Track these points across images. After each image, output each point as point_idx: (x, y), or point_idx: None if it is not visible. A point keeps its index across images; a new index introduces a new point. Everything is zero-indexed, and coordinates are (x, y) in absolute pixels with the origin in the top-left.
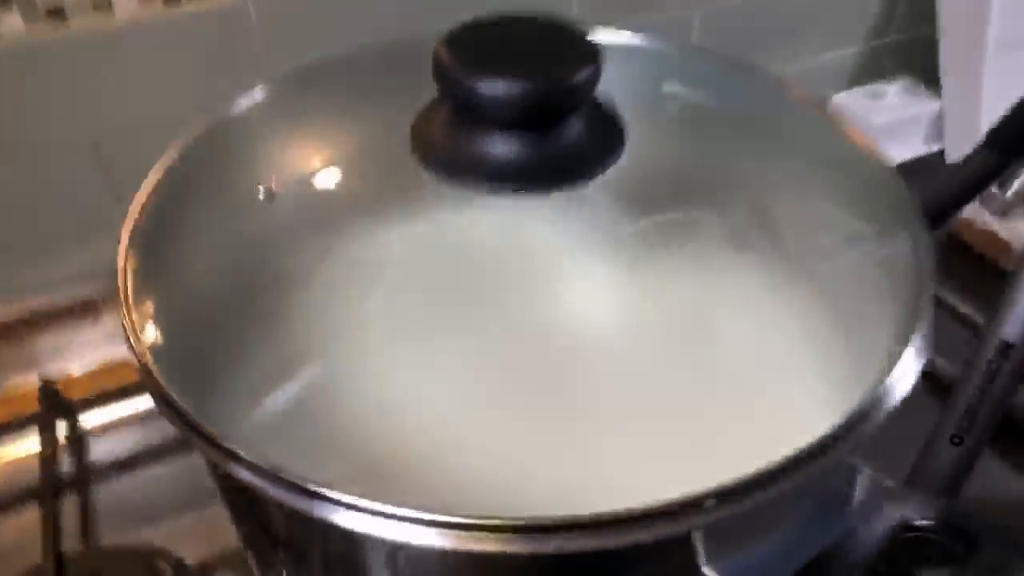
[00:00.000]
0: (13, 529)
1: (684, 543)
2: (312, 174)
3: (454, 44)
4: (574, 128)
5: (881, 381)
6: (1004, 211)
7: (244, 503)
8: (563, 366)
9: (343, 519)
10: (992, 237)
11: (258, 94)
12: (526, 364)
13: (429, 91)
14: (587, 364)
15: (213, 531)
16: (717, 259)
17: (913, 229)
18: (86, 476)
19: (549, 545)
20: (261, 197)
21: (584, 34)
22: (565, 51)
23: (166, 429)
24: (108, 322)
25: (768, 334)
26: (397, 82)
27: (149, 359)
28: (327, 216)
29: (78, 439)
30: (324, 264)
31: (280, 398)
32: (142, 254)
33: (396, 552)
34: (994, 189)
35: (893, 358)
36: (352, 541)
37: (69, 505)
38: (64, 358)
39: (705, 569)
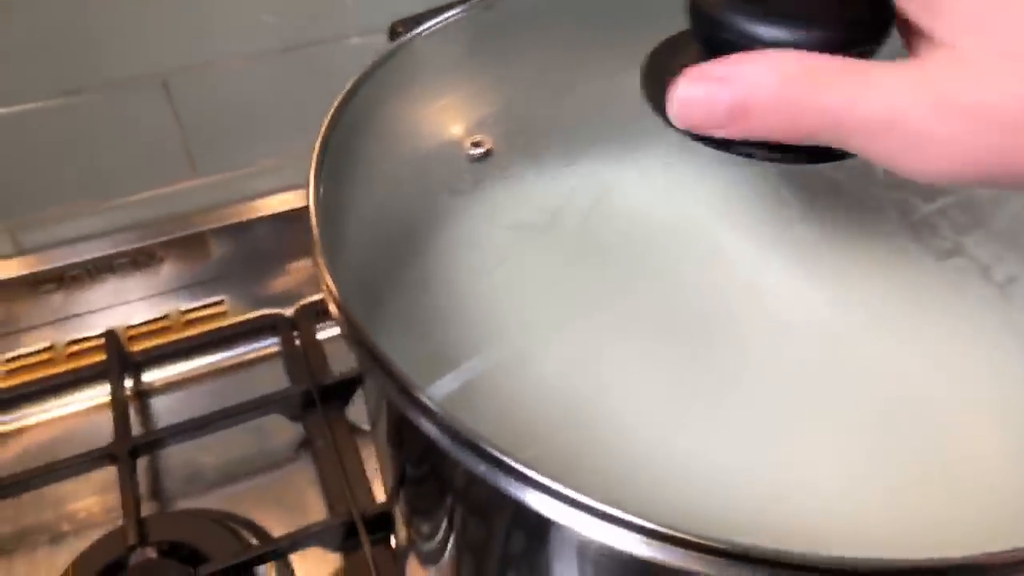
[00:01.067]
0: (89, 485)
1: None
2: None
3: None
4: None
5: None
6: None
7: (419, 458)
8: (759, 358)
9: (538, 502)
10: None
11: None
12: (719, 354)
13: (650, 30)
14: (784, 357)
15: (289, 498)
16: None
17: None
18: (157, 438)
19: None
20: (474, 152)
21: None
22: None
23: (229, 386)
24: (167, 272)
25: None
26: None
27: (349, 307)
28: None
29: (142, 394)
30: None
31: (454, 360)
32: (328, 192)
33: (583, 548)
34: None
35: None
36: (536, 525)
37: (140, 465)
38: (125, 309)
39: None
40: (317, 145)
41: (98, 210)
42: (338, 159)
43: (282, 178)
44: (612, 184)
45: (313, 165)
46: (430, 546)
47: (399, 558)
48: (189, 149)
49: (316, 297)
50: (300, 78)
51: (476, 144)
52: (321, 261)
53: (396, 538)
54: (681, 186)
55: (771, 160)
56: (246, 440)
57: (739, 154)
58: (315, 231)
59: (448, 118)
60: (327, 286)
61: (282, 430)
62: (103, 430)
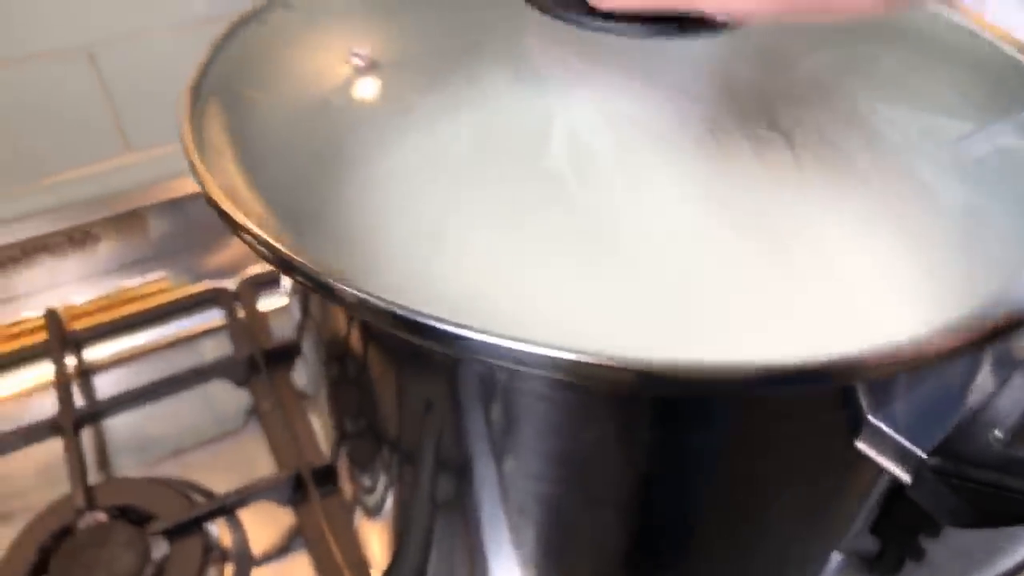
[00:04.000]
0: (33, 461)
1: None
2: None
3: None
4: None
5: None
6: None
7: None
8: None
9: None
10: None
11: None
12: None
13: None
14: (663, 238)
15: (234, 463)
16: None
17: None
18: (102, 408)
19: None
20: (358, 63)
21: None
22: None
23: (172, 361)
24: (104, 251)
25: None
26: None
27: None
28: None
29: (86, 371)
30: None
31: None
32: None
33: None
34: None
35: None
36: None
37: (86, 437)
38: (64, 289)
39: (870, 417)
40: (188, 87)
41: (30, 190)
42: (222, 99)
43: None
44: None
45: (186, 106)
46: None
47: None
48: (120, 124)
49: (258, 270)
50: None
51: (358, 56)
52: (205, 174)
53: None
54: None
55: (639, 35)
56: (193, 410)
57: (605, 30)
58: (194, 157)
59: (332, 48)
60: (209, 189)
61: (229, 398)
62: (47, 408)
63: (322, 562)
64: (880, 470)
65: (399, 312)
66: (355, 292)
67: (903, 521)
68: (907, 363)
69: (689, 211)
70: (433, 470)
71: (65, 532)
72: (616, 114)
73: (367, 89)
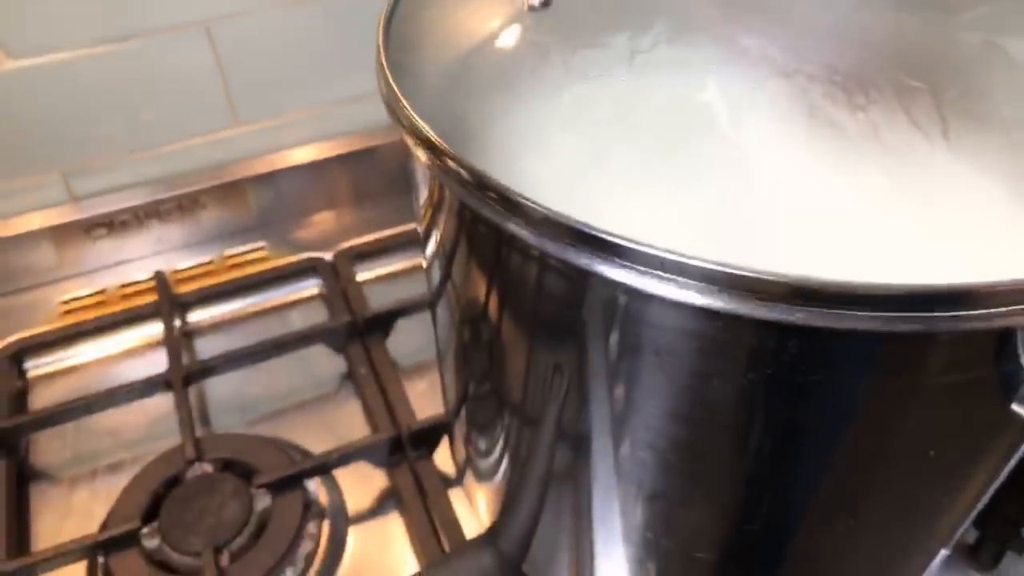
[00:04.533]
0: (143, 416)
1: (1011, 343)
2: None
3: None
4: None
5: None
6: None
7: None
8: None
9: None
10: None
11: None
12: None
13: None
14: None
15: (329, 426)
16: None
17: None
18: (210, 366)
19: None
20: (536, 3)
21: None
22: None
23: (270, 327)
24: (208, 219)
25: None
26: None
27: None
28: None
29: (189, 333)
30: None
31: None
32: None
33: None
34: None
35: None
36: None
37: (192, 395)
38: (170, 255)
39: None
40: (384, 14)
41: (145, 158)
42: (403, 28)
43: (320, 127)
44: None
45: (381, 28)
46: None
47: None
48: (231, 98)
49: (355, 241)
50: (340, 26)
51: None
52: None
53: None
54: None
55: None
56: (292, 373)
57: None
58: (396, 93)
59: None
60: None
61: (326, 363)
62: (156, 365)
63: (415, 523)
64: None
65: (579, 226)
66: (540, 207)
67: (1008, 510)
68: None
69: (833, 167)
70: (554, 434)
71: (175, 481)
72: (765, 65)
73: (535, 32)
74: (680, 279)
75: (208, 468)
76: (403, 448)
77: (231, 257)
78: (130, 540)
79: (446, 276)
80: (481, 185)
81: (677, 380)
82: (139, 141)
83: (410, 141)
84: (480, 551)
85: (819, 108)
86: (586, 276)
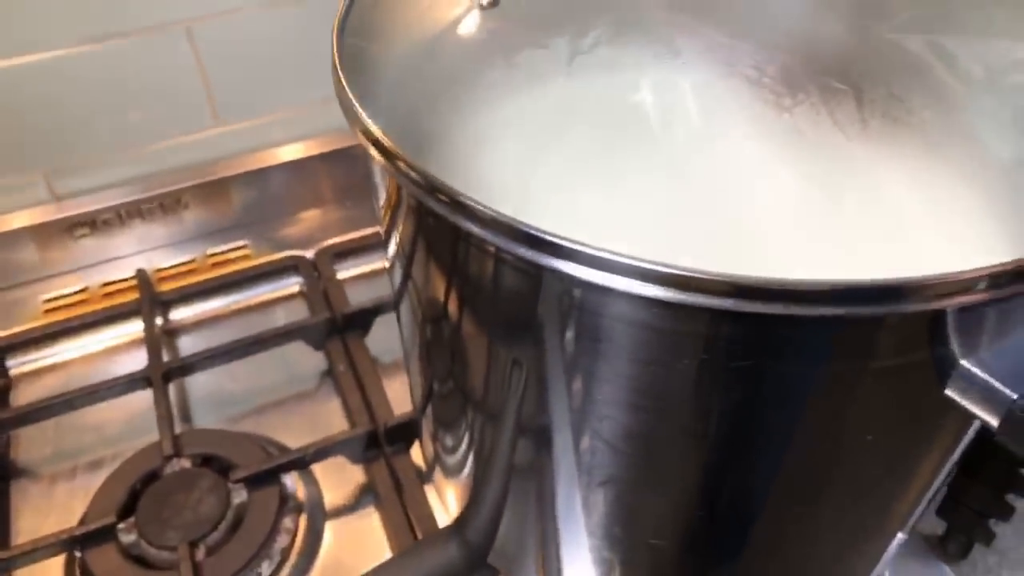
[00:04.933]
0: (122, 413)
1: (941, 329)
2: None
3: None
4: None
5: None
6: None
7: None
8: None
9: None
10: None
11: None
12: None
13: None
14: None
15: (308, 422)
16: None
17: None
18: (189, 363)
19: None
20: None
21: None
22: None
23: (252, 325)
24: (191, 218)
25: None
26: None
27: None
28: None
29: (171, 331)
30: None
31: None
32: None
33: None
34: None
35: None
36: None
37: (172, 392)
38: (153, 253)
39: (962, 362)
40: (338, 17)
41: (127, 158)
42: (360, 25)
43: (301, 127)
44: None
45: (335, 32)
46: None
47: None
48: (212, 97)
49: (336, 240)
50: (321, 25)
51: None
52: (348, 91)
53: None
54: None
55: None
56: (271, 370)
57: None
58: (339, 71)
59: None
60: (353, 109)
61: (305, 360)
62: (138, 362)
63: (390, 517)
64: (965, 424)
65: (525, 228)
66: (487, 209)
67: (973, 502)
68: (994, 283)
69: (761, 157)
70: (514, 428)
71: (152, 476)
72: (699, 66)
73: (483, 31)
74: (620, 276)
75: (186, 464)
76: (379, 443)
77: (213, 256)
78: (107, 535)
79: (406, 276)
80: (432, 187)
81: (627, 370)
82: (121, 141)
83: (365, 143)
84: (447, 542)
85: (749, 108)
86: (538, 272)
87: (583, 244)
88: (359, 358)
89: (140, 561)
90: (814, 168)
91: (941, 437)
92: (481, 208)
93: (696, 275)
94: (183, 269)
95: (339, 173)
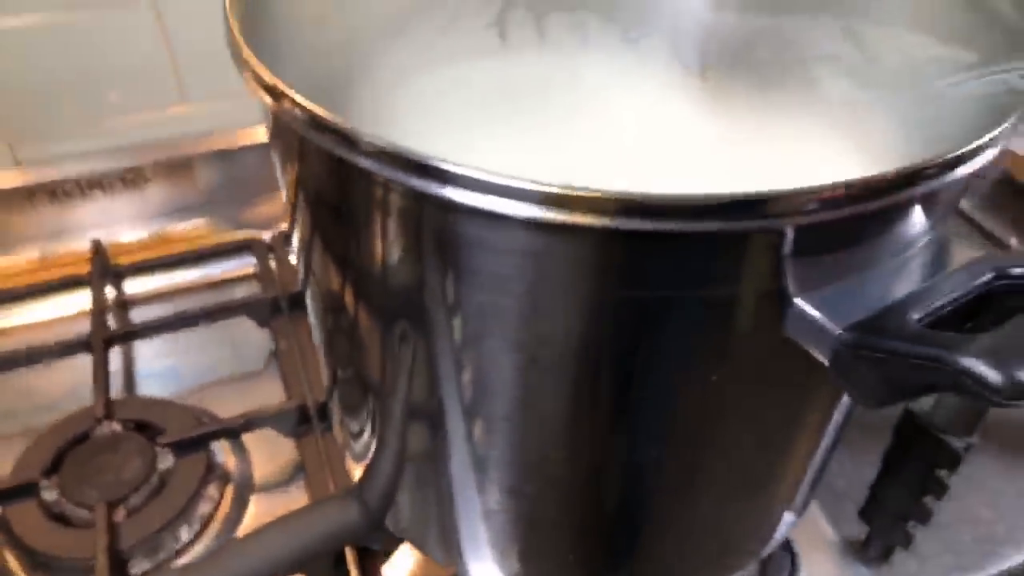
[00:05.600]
0: (62, 376)
1: (775, 261)
2: None
3: None
4: None
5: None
6: None
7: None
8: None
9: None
10: None
11: None
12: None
13: None
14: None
15: (250, 398)
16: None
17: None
18: (131, 331)
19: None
20: None
21: None
22: None
23: (205, 301)
24: (153, 194)
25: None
26: None
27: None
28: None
29: (124, 303)
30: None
31: None
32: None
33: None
34: None
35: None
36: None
37: (116, 361)
38: (113, 228)
39: (797, 300)
40: None
41: (91, 131)
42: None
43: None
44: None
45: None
46: None
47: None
48: (179, 75)
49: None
50: None
51: None
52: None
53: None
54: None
55: None
56: (217, 347)
57: None
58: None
59: None
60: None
61: (251, 338)
62: (84, 331)
63: (317, 494)
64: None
65: (410, 154)
66: (373, 138)
67: (892, 504)
68: (828, 200)
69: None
70: (407, 386)
71: (82, 438)
72: (621, 54)
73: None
74: (502, 198)
75: (117, 427)
76: (310, 418)
77: (173, 232)
78: (29, 491)
79: (308, 265)
80: (315, 119)
81: (512, 306)
82: (86, 113)
83: (252, 85)
84: (347, 503)
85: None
86: (421, 200)
87: (459, 164)
88: (302, 337)
89: (61, 519)
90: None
91: (802, 390)
92: (365, 137)
93: (525, 186)
94: (140, 244)
95: None
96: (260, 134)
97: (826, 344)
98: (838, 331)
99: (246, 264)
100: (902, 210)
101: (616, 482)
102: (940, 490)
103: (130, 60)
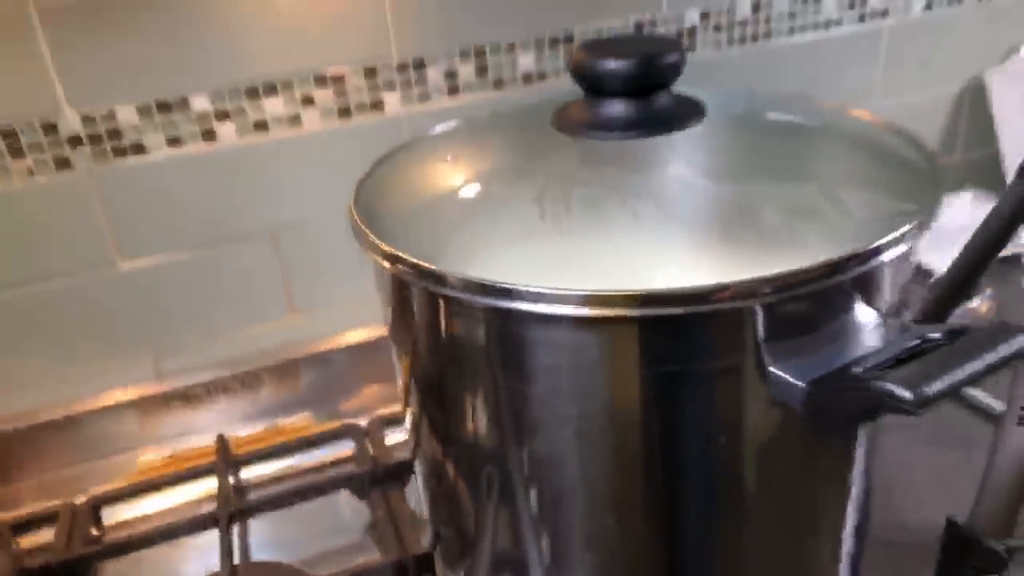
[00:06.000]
0: (193, 552)
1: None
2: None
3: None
4: (664, 99)
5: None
6: None
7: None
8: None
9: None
10: None
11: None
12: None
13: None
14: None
15: (346, 560)
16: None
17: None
18: (249, 507)
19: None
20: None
21: (674, 40)
22: (657, 47)
23: (306, 480)
24: (267, 393)
25: None
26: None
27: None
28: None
29: (243, 488)
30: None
31: None
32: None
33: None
34: None
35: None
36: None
37: (237, 535)
38: (233, 423)
39: (771, 368)
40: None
41: (216, 343)
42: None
43: (357, 316)
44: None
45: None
46: None
47: None
48: (289, 290)
49: (385, 411)
50: None
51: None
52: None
53: None
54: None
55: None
56: (321, 520)
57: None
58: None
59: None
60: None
61: (351, 511)
62: (211, 509)
63: None
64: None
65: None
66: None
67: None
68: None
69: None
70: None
71: None
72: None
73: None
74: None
75: None
76: (406, 571)
77: (282, 425)
78: None
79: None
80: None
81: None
82: (212, 327)
83: (371, 251)
84: None
85: None
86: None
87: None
88: (395, 505)
89: None
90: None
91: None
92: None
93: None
94: (256, 436)
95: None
96: (351, 337)
97: (796, 397)
98: (803, 384)
99: (344, 447)
100: (832, 298)
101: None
102: None
103: (250, 282)
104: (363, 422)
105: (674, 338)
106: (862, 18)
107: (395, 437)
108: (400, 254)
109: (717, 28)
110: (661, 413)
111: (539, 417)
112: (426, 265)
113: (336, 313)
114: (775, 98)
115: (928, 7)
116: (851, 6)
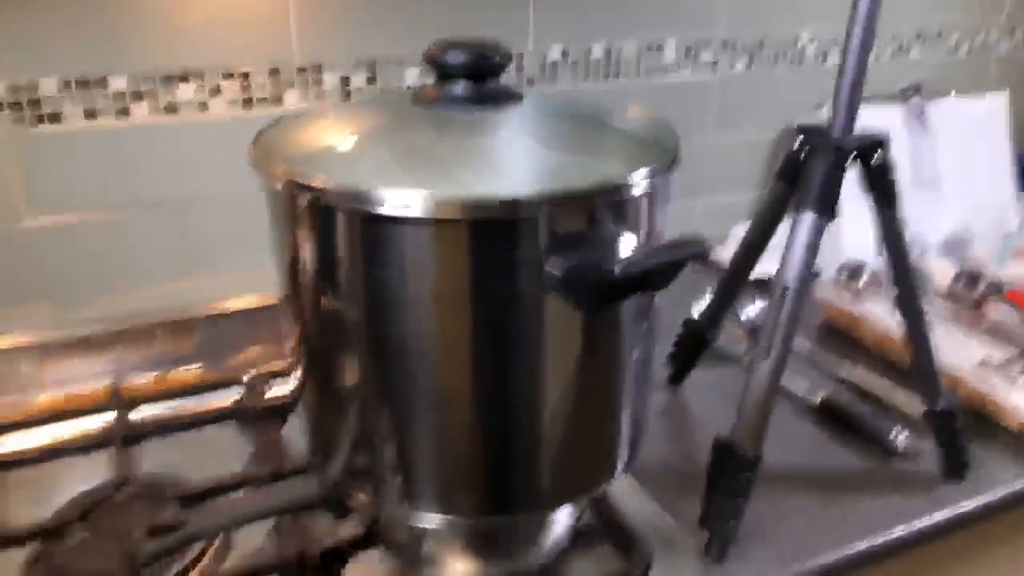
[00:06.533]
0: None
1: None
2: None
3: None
4: (493, 86)
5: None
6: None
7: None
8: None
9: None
10: (849, 316)
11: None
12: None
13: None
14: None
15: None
16: None
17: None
18: (141, 432)
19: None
20: None
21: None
22: (490, 47)
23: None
24: (160, 347)
25: None
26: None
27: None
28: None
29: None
30: None
31: None
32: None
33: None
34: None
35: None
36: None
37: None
38: (127, 372)
39: (547, 267)
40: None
41: (115, 301)
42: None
43: (249, 284)
44: None
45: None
46: None
47: None
48: (188, 256)
49: (266, 368)
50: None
51: None
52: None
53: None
54: None
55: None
56: (209, 452)
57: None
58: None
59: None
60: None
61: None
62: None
63: None
64: None
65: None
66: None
67: (715, 508)
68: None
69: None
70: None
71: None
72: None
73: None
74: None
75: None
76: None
77: (173, 376)
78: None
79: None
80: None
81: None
82: (113, 284)
83: (265, 171)
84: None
85: None
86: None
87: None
88: (272, 435)
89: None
90: None
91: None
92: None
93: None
94: (148, 384)
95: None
96: (242, 303)
97: (551, 280)
98: (558, 273)
99: (233, 394)
100: (593, 214)
101: (494, 408)
102: (745, 490)
103: (152, 246)
104: (246, 377)
105: (488, 236)
106: (696, 69)
107: (278, 391)
108: (293, 174)
109: (575, 64)
110: (478, 291)
111: (391, 297)
112: (306, 182)
113: (229, 280)
114: (579, 99)
115: (748, 67)
116: (687, 56)
